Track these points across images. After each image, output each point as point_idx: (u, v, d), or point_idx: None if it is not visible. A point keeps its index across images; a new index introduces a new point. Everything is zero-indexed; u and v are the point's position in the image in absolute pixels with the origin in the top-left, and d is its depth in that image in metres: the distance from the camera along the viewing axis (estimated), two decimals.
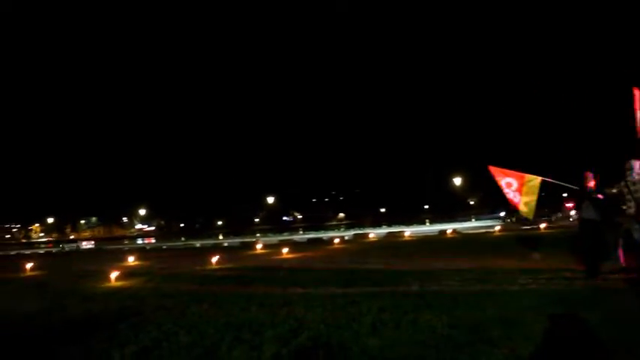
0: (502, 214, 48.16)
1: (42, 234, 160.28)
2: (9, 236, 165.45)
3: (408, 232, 40.17)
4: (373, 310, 8.96)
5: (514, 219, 44.44)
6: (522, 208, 12.59)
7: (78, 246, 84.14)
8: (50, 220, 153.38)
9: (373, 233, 42.38)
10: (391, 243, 31.02)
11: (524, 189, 12.41)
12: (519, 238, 26.48)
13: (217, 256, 21.93)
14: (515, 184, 12.53)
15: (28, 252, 65.56)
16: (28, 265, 24.62)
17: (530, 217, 13.30)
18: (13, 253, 68.55)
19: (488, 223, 50.65)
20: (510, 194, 12.58)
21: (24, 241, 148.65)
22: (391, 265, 17.17)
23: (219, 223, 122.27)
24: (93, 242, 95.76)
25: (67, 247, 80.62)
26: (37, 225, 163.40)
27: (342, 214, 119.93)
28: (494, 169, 12.88)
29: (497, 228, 36.39)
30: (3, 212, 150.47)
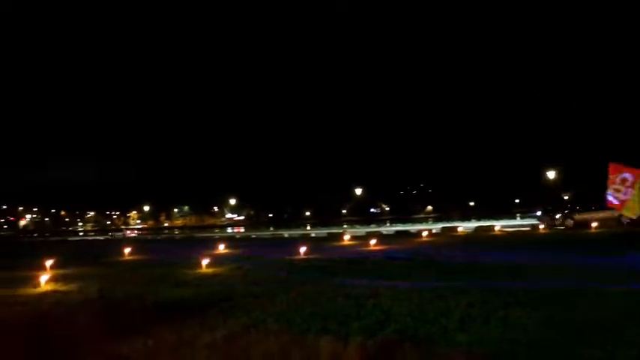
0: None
1: (139, 221, 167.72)
2: (109, 222, 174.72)
3: (498, 226, 39.00)
4: (461, 305, 8.77)
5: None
6: (631, 205, 12.04)
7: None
8: (146, 208, 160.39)
9: (462, 227, 41.48)
10: (480, 237, 30.28)
11: (638, 185, 11.85)
12: (617, 235, 25.05)
13: (305, 247, 22.12)
14: (630, 179, 11.97)
15: (122, 237, 69.03)
16: (127, 250, 25.81)
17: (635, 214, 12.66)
18: (110, 237, 72.32)
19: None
20: (619, 193, 12.03)
21: (122, 227, 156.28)
22: (480, 259, 16.75)
23: (307, 213, 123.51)
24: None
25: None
26: (134, 212, 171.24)
27: (430, 207, 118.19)
28: (614, 166, 12.40)
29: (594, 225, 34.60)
30: (107, 200, 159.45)
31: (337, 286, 11.91)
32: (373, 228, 53.98)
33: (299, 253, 21.43)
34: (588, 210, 35.82)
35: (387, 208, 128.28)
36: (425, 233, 33.58)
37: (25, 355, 6.70)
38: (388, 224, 67.74)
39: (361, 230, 48.33)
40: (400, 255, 19.59)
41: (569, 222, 36.18)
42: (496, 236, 30.90)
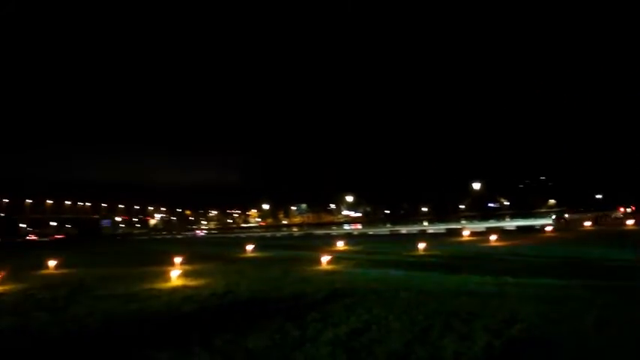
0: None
1: (258, 219, 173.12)
2: (231, 221, 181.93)
3: (631, 220, 36.52)
4: (596, 305, 8.28)
5: None
6: None
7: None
8: (266, 207, 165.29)
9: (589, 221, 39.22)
10: (611, 232, 28.45)
11: None
12: None
13: (424, 243, 21.86)
14: None
15: (243, 235, 71.39)
16: (249, 247, 26.71)
17: None
18: (232, 235, 75.17)
19: None
20: None
21: (243, 225, 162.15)
22: (612, 256, 15.77)
23: (424, 209, 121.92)
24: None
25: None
26: (254, 211, 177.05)
27: (552, 201, 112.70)
28: None
29: None
30: (228, 199, 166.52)
31: (459, 284, 11.67)
32: (492, 223, 52.26)
33: (418, 250, 21.21)
34: None
35: (507, 203, 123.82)
36: (549, 228, 32.16)
37: (162, 344, 7.09)
38: (508, 219, 65.35)
39: (480, 226, 46.97)
40: (525, 251, 18.87)
41: None
42: (628, 231, 28.89)
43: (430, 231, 45.93)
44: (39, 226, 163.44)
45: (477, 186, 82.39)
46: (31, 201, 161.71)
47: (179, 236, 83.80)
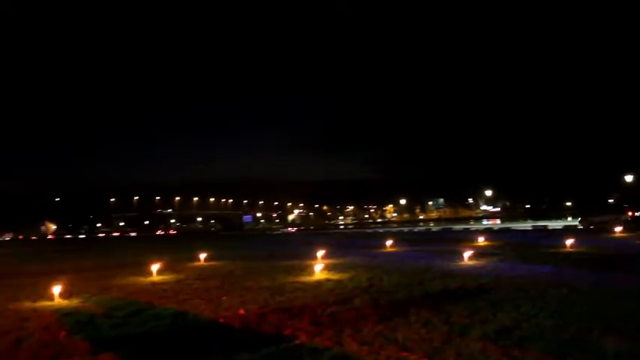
0: None
1: (395, 214, 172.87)
2: (367, 216, 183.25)
3: None
4: None
5: None
6: None
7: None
8: (402, 202, 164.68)
9: None
10: None
11: None
12: None
13: (571, 239, 20.76)
14: None
15: (381, 230, 71.64)
16: (388, 242, 26.82)
17: None
18: (369, 230, 75.65)
19: None
20: None
21: (379, 220, 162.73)
22: None
23: (568, 203, 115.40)
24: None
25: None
26: (390, 206, 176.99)
27: None
28: None
29: None
30: (364, 195, 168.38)
31: (615, 284, 11.01)
32: None
33: (565, 246, 20.23)
34: None
35: None
36: None
37: (314, 334, 7.37)
38: None
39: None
40: None
41: None
42: None
43: (578, 227, 43.49)
44: (187, 221, 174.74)
45: (628, 178, 76.79)
46: (179, 198, 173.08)
47: (321, 232, 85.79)
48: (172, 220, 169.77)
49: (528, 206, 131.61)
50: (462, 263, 16.57)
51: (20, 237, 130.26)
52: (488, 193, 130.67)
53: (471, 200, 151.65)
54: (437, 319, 8.08)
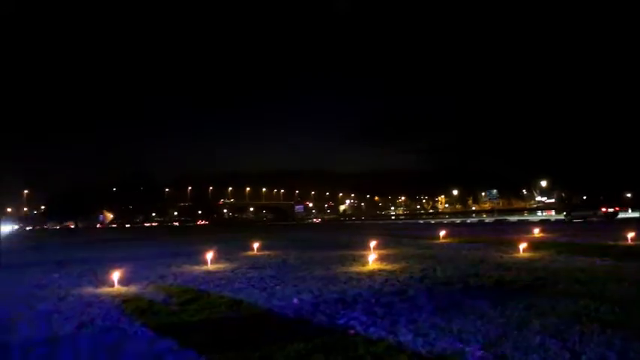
0: None
1: (447, 205, 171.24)
2: (419, 207, 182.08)
3: None
4: None
5: None
6: None
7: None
8: (454, 192, 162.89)
9: None
10: None
11: None
12: None
13: (632, 232, 20.07)
14: None
15: (433, 221, 71.20)
16: (441, 233, 26.55)
17: None
18: (421, 221, 75.19)
19: None
20: None
21: (431, 211, 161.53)
22: None
23: (628, 195, 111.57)
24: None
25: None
26: (442, 196, 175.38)
27: None
28: None
29: None
30: (413, 186, 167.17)
31: None
32: None
33: (626, 239, 19.60)
34: None
35: None
36: None
37: (369, 326, 7.38)
38: None
39: None
40: None
41: None
42: None
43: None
44: (239, 211, 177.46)
45: None
46: (231, 188, 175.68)
47: (367, 222, 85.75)
48: (225, 210, 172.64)
49: (585, 197, 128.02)
50: (518, 255, 16.26)
51: (80, 226, 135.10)
52: (544, 183, 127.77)
53: (525, 191, 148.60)
54: (492, 311, 7.96)
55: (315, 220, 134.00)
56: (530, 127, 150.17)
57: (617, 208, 49.68)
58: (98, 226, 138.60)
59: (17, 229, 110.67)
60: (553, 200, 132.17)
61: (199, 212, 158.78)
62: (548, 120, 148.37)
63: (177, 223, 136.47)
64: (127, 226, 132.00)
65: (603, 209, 47.46)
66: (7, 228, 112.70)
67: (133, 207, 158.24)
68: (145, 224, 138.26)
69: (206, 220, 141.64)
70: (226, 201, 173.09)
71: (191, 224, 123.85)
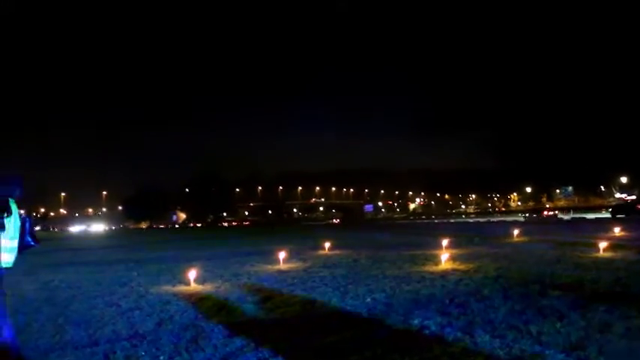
0: None
1: (519, 203, 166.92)
2: (490, 205, 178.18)
3: None
4: None
5: None
6: None
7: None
8: (528, 189, 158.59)
9: None
10: None
11: None
12: None
13: None
14: None
15: (509, 219, 69.63)
16: (515, 231, 25.90)
17: None
18: (495, 220, 73.65)
19: None
20: None
21: (503, 209, 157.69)
22: None
23: None
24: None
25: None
26: (514, 194, 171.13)
27: None
28: None
29: None
30: (484, 183, 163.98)
31: None
32: None
33: None
34: None
35: None
36: None
37: (441, 322, 7.32)
38: None
39: None
40: None
41: None
42: None
43: None
44: (309, 211, 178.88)
45: None
46: (301, 188, 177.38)
47: (436, 221, 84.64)
48: (294, 210, 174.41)
49: None
50: (597, 255, 15.66)
51: (154, 226, 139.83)
52: (624, 179, 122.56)
53: (603, 188, 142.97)
54: (573, 312, 7.72)
55: (383, 218, 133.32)
56: (610, 119, 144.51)
57: None
58: (171, 226, 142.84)
59: (106, 229, 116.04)
60: (634, 197, 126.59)
61: (269, 212, 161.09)
62: (629, 112, 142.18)
63: (247, 223, 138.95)
64: (199, 225, 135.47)
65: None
66: (100, 227, 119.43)
67: (204, 207, 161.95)
68: (218, 224, 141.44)
69: (275, 220, 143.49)
70: (294, 202, 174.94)
71: (261, 223, 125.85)
